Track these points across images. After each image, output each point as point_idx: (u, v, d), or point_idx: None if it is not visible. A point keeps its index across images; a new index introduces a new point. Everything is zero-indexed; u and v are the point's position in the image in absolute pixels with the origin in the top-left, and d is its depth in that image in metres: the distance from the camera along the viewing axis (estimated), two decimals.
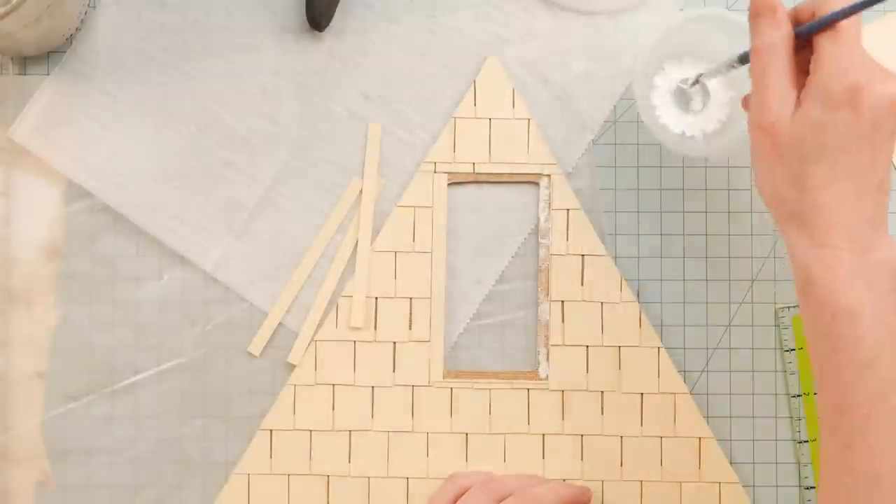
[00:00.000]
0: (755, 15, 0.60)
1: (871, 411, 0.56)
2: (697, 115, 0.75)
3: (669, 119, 0.75)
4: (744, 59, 0.65)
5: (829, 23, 0.58)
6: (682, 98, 0.75)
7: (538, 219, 0.75)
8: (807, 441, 0.74)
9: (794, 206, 0.58)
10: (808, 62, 0.59)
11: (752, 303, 0.75)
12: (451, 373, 0.74)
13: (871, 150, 0.57)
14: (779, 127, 0.58)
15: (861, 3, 0.56)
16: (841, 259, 0.57)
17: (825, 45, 0.57)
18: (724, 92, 0.75)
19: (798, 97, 0.58)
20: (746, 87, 0.74)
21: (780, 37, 0.59)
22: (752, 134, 0.59)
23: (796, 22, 0.60)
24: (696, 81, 0.71)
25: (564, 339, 0.74)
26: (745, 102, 0.64)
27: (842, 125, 0.56)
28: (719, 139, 0.75)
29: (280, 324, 0.75)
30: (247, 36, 0.76)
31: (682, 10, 0.76)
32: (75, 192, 0.75)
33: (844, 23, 0.57)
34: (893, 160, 0.60)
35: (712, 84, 0.75)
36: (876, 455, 0.56)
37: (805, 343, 0.74)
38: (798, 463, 0.74)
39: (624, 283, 0.74)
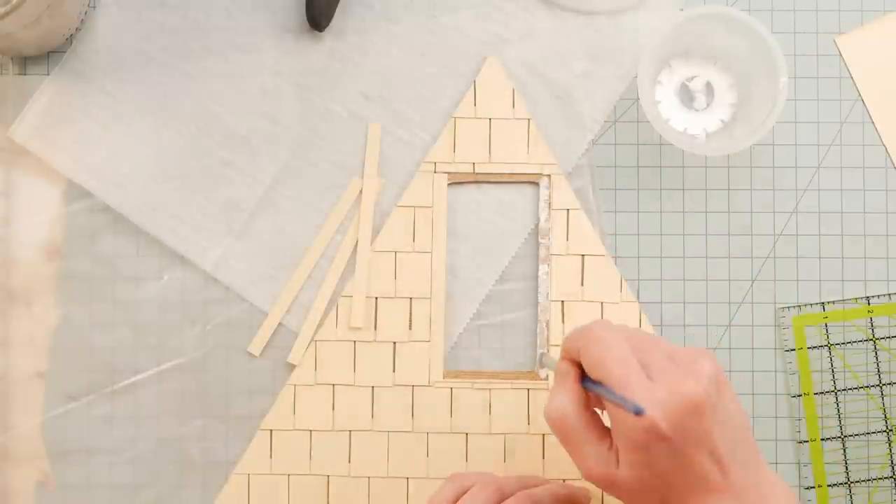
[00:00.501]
0: (555, 375, 0.61)
1: None
2: (700, 114, 0.75)
3: (672, 116, 0.75)
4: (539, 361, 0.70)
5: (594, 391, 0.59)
6: (686, 96, 0.75)
7: (538, 219, 0.75)
8: (807, 441, 0.74)
9: None
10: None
11: (752, 303, 0.75)
12: (451, 373, 0.74)
13: (702, 448, 0.57)
14: (610, 481, 0.59)
15: (626, 403, 0.56)
16: None
17: (606, 392, 0.58)
18: (728, 92, 0.75)
19: (611, 442, 0.59)
20: (751, 87, 0.74)
21: (569, 405, 0.59)
22: (594, 485, 0.60)
23: (579, 364, 0.61)
24: (541, 359, 0.73)
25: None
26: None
27: (663, 456, 0.57)
28: (721, 138, 0.75)
29: (280, 324, 0.75)
30: (247, 36, 0.76)
31: (681, 9, 0.76)
32: (75, 192, 0.75)
33: (607, 365, 0.57)
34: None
35: (717, 84, 0.75)
36: None
37: (805, 343, 0.74)
38: (798, 463, 0.74)
39: (624, 283, 0.74)
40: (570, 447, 0.60)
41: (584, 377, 0.60)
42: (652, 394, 0.56)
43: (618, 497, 0.60)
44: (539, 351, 0.74)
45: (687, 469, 0.57)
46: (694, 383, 0.57)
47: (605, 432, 0.60)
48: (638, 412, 0.55)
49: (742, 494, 0.58)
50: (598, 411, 0.61)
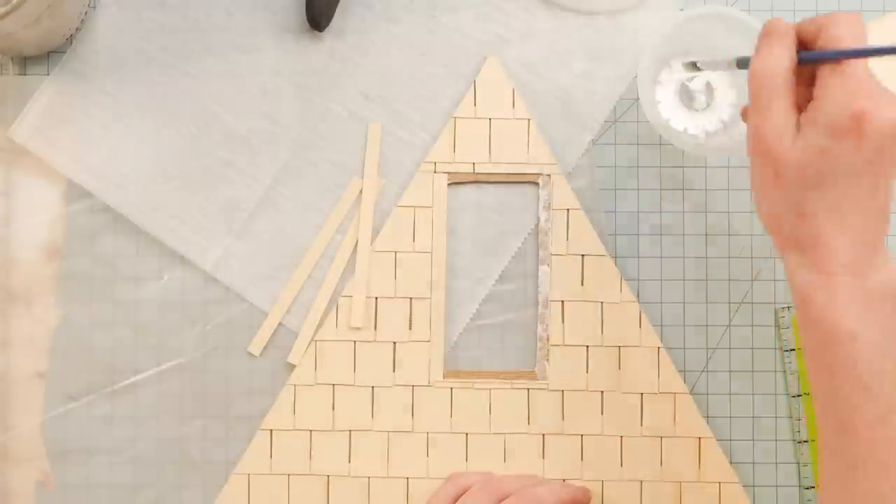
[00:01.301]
0: (765, 34, 0.59)
1: (874, 434, 0.56)
2: (700, 114, 0.75)
3: (672, 116, 0.75)
4: (741, 63, 0.64)
5: (835, 58, 0.57)
6: (686, 96, 0.75)
7: (538, 219, 0.75)
8: (807, 441, 0.74)
9: (792, 231, 0.58)
10: (809, 82, 0.58)
11: (752, 303, 0.75)
12: (451, 373, 0.74)
13: (873, 176, 0.56)
14: (777, 153, 0.57)
15: (869, 49, 0.55)
16: (840, 284, 0.56)
17: (829, 72, 0.57)
18: (728, 92, 0.75)
19: (798, 122, 0.57)
20: None
21: (783, 62, 0.58)
22: (751, 158, 0.59)
23: (800, 41, 0.59)
24: (694, 66, 0.70)
25: (564, 339, 0.74)
26: (745, 114, 0.63)
27: (845, 153, 0.55)
28: (721, 138, 0.75)
29: (280, 324, 0.75)
30: (247, 36, 0.76)
31: (681, 9, 0.76)
32: (75, 192, 0.75)
33: (856, 34, 0.57)
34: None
35: (717, 84, 0.75)
36: (882, 476, 0.56)
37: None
38: (798, 463, 0.74)
39: (624, 283, 0.74)
40: (759, 105, 0.57)
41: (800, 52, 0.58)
42: (883, 94, 0.55)
43: (764, 177, 0.58)
44: (692, 59, 0.70)
45: (852, 182, 0.56)
46: None
47: (798, 109, 0.57)
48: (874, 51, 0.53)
49: (874, 243, 0.57)
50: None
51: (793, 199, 0.57)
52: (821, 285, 0.57)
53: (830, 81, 0.56)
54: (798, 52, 0.58)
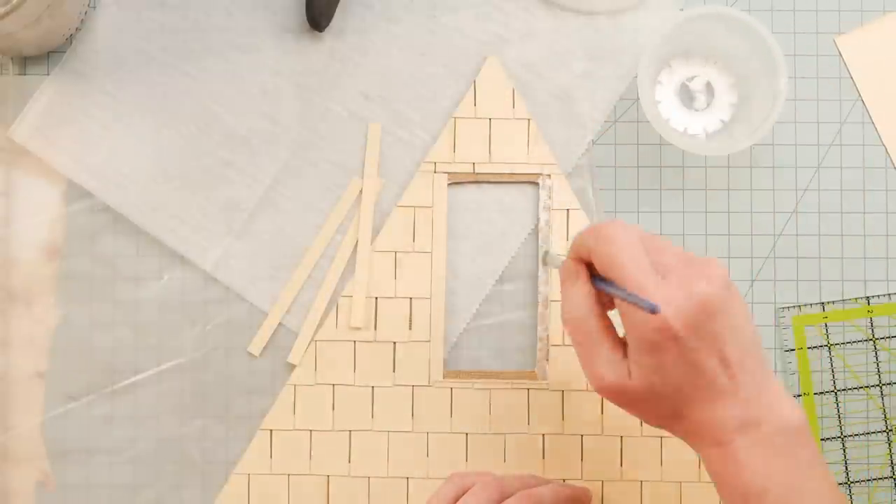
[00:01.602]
0: (561, 279, 0.61)
1: None
2: (700, 114, 0.75)
3: (672, 116, 0.75)
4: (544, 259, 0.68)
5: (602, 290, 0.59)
6: (686, 96, 0.75)
7: (538, 219, 0.75)
8: None
9: (678, 429, 0.60)
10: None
11: (752, 303, 0.75)
12: (451, 373, 0.74)
13: (713, 352, 0.57)
14: (621, 389, 0.58)
15: (640, 301, 0.56)
16: (738, 450, 0.58)
17: (618, 300, 0.58)
18: (728, 92, 0.75)
19: (624, 351, 0.59)
20: (751, 87, 0.74)
21: (585, 303, 0.59)
22: (604, 396, 0.60)
23: (586, 263, 0.60)
24: (545, 256, 0.70)
25: (564, 339, 0.74)
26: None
27: (674, 359, 0.57)
28: (721, 138, 0.75)
29: (280, 324, 0.75)
30: (247, 36, 0.76)
31: (681, 9, 0.76)
32: (75, 192, 0.75)
33: (619, 263, 0.57)
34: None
35: (717, 84, 0.75)
36: None
37: (805, 343, 0.74)
38: None
39: None
40: (585, 352, 0.59)
41: (594, 276, 0.60)
42: (665, 293, 0.56)
43: (627, 408, 0.60)
44: (542, 247, 0.73)
45: (697, 373, 0.57)
46: (706, 284, 0.56)
47: (619, 341, 0.59)
48: (652, 310, 0.55)
49: (750, 400, 0.58)
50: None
51: (663, 411, 0.59)
52: (721, 457, 0.58)
53: (622, 307, 0.58)
54: (592, 279, 0.60)
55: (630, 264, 0.57)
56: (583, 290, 0.60)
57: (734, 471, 0.58)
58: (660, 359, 0.57)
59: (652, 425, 0.61)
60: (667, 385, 0.57)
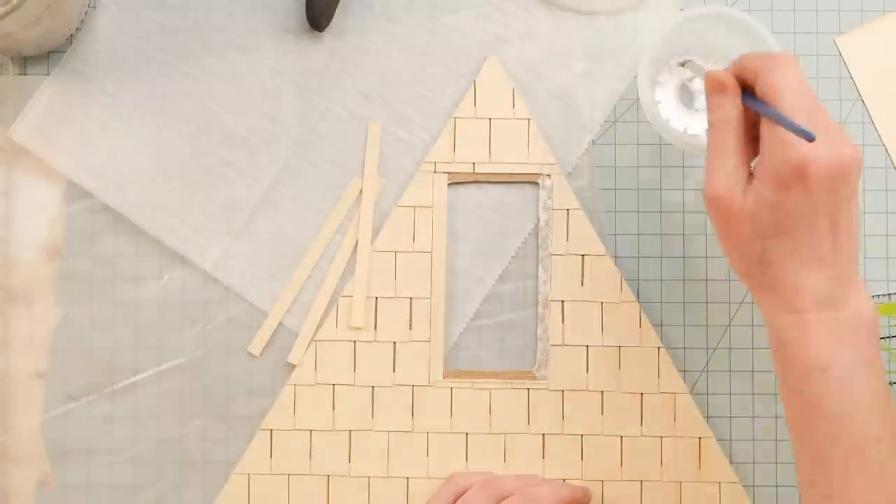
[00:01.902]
0: (710, 89, 0.61)
1: (848, 464, 0.57)
2: (700, 114, 0.75)
3: (672, 116, 0.75)
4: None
5: (764, 114, 0.58)
6: (686, 96, 0.75)
7: (538, 219, 0.75)
8: None
9: (759, 278, 0.59)
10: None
11: (752, 303, 0.75)
12: (451, 373, 0.74)
13: (828, 216, 0.58)
14: (727, 202, 0.59)
15: (798, 127, 0.56)
16: (810, 321, 0.58)
17: (766, 123, 0.58)
18: None
19: (750, 173, 0.59)
20: None
21: (732, 113, 0.60)
22: (706, 205, 0.60)
23: (742, 84, 0.60)
24: (684, 64, 0.70)
25: (564, 339, 0.74)
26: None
27: (795, 203, 0.57)
28: None
29: (280, 324, 0.75)
30: (247, 36, 0.76)
31: (681, 9, 0.76)
32: (75, 192, 0.75)
33: (784, 95, 0.57)
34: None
35: None
36: None
37: None
38: None
39: (624, 283, 0.74)
40: (712, 156, 0.59)
41: (745, 94, 0.60)
42: (818, 141, 0.56)
43: (723, 229, 0.59)
44: (685, 58, 0.71)
45: (807, 227, 0.57)
46: (852, 150, 0.57)
47: (749, 166, 0.59)
48: (807, 136, 0.55)
49: (838, 277, 0.58)
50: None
51: (753, 249, 0.59)
52: (792, 324, 0.58)
53: (768, 133, 0.58)
54: (742, 96, 0.60)
55: (795, 95, 0.57)
56: (733, 100, 0.60)
57: (803, 342, 0.58)
58: (782, 197, 0.57)
59: (736, 267, 0.60)
60: (774, 225, 0.57)
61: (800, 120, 0.56)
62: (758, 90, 0.59)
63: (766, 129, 0.58)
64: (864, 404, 0.57)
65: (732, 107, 0.60)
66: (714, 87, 0.61)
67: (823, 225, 0.57)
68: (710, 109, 0.61)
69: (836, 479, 0.57)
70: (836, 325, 0.58)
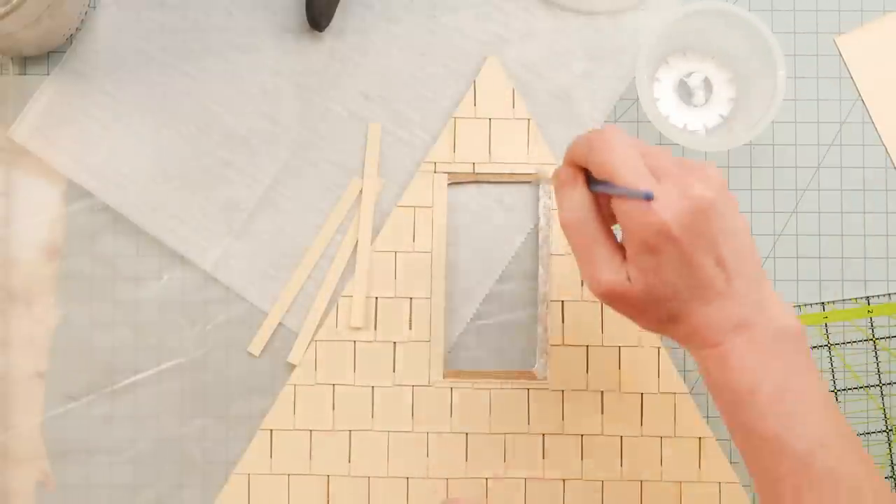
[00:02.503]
0: (556, 187, 0.61)
1: (798, 481, 0.57)
2: (699, 110, 0.75)
3: (671, 112, 0.75)
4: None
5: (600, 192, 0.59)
6: (685, 92, 0.75)
7: (538, 219, 0.75)
8: None
9: (673, 331, 0.60)
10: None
11: None
12: (451, 373, 0.74)
13: (709, 254, 0.57)
14: (621, 293, 0.58)
15: (635, 193, 0.56)
16: (728, 350, 0.58)
17: (617, 200, 0.58)
18: (727, 87, 0.75)
19: (623, 255, 0.59)
20: (749, 82, 0.74)
21: (584, 205, 0.59)
22: (603, 300, 0.60)
23: (582, 168, 0.60)
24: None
25: (564, 339, 0.74)
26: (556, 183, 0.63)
27: (672, 259, 0.57)
28: (720, 133, 0.75)
29: (280, 324, 0.75)
30: (247, 36, 0.76)
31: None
32: (75, 192, 0.75)
33: (616, 168, 0.57)
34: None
35: (715, 80, 0.75)
36: None
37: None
38: None
39: None
40: (583, 255, 0.59)
41: (590, 182, 0.60)
42: (661, 195, 0.56)
43: (625, 311, 0.60)
44: (535, 173, 0.72)
45: (693, 274, 0.57)
46: (703, 186, 0.57)
47: (618, 246, 0.59)
48: (648, 197, 0.55)
49: (744, 302, 0.58)
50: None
51: (659, 315, 0.59)
52: (712, 357, 0.58)
53: (619, 208, 0.58)
54: (588, 182, 0.60)
55: (626, 166, 0.57)
56: (580, 193, 0.60)
57: (726, 371, 0.58)
58: (657, 260, 0.57)
59: (650, 330, 0.60)
60: (665, 287, 0.57)
61: (640, 183, 0.56)
62: (593, 172, 0.59)
63: (617, 205, 0.58)
64: (800, 413, 0.57)
65: (582, 196, 0.60)
66: (558, 184, 0.61)
67: (709, 264, 0.57)
68: (561, 208, 0.60)
69: (789, 497, 0.57)
70: (754, 345, 0.58)
